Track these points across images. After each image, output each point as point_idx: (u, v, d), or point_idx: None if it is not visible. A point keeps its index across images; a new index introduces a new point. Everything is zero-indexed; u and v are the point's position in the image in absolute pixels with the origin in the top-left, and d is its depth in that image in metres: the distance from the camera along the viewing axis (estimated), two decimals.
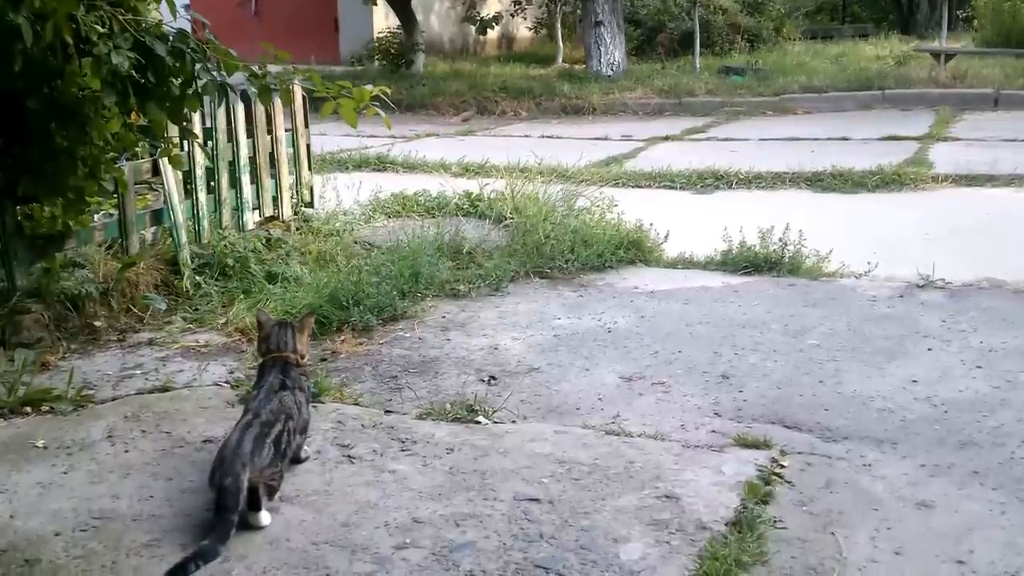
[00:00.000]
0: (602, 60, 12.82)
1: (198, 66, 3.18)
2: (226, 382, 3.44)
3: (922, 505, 2.51)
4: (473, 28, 16.45)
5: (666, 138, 9.31)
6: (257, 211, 4.98)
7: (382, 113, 3.33)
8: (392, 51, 14.40)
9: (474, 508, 2.51)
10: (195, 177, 4.52)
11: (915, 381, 3.31)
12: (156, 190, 4.71)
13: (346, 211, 5.53)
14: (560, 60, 15.49)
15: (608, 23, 12.77)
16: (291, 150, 5.28)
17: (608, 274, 4.70)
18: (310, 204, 5.44)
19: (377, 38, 15.26)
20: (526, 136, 9.75)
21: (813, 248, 4.69)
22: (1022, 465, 2.70)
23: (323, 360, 3.62)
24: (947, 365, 3.44)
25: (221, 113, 4.62)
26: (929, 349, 3.61)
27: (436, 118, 11.57)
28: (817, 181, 6.68)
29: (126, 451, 2.88)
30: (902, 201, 6.19)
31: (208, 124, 4.63)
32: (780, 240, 4.70)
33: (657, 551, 2.30)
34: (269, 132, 5.05)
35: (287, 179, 5.21)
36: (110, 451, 2.88)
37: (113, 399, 3.29)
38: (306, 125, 5.37)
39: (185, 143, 4.40)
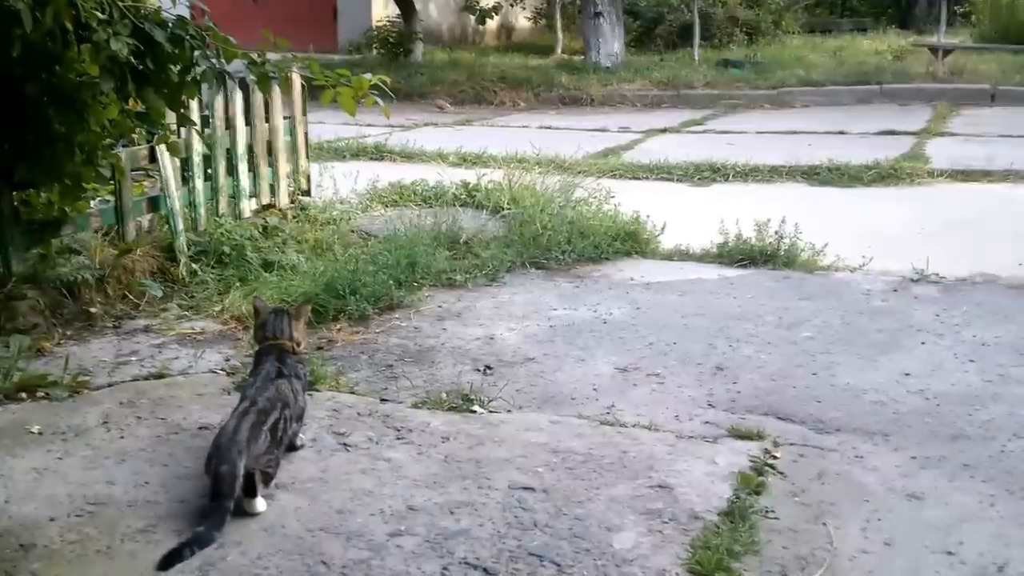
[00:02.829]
0: (601, 51, 12.80)
1: (197, 53, 3.18)
2: (222, 369, 3.45)
3: (913, 497, 2.53)
4: (472, 17, 16.40)
5: (664, 130, 9.31)
6: (254, 199, 4.98)
7: (380, 102, 3.33)
8: (391, 40, 14.36)
9: (469, 496, 2.53)
10: (192, 164, 4.52)
11: (908, 374, 3.33)
12: (153, 177, 4.70)
13: (343, 200, 5.53)
14: (559, 51, 15.46)
15: (607, 14, 12.75)
16: (289, 138, 5.27)
17: (604, 265, 4.71)
18: (307, 192, 5.44)
19: (376, 27, 15.21)
20: (524, 127, 9.74)
21: (808, 241, 4.70)
22: (1012, 458, 2.72)
23: (319, 349, 3.63)
24: (940, 359, 3.46)
25: (219, 100, 4.62)
26: (922, 343, 3.63)
27: (434, 108, 11.56)
28: (814, 175, 6.69)
29: (121, 437, 2.89)
30: (898, 195, 6.21)
31: (206, 111, 4.63)
32: (776, 233, 4.71)
33: (650, 540, 2.31)
34: (267, 120, 5.04)
35: (284, 167, 5.21)
36: (105, 437, 2.89)
37: (109, 385, 3.30)
38: (304, 113, 5.37)
39: (183, 130, 4.39)
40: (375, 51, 14.69)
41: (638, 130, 9.28)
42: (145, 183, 4.78)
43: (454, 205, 5.46)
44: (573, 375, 3.38)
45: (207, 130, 4.61)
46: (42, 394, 3.20)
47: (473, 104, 11.75)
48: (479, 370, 3.43)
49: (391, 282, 4.11)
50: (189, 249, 4.36)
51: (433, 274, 4.39)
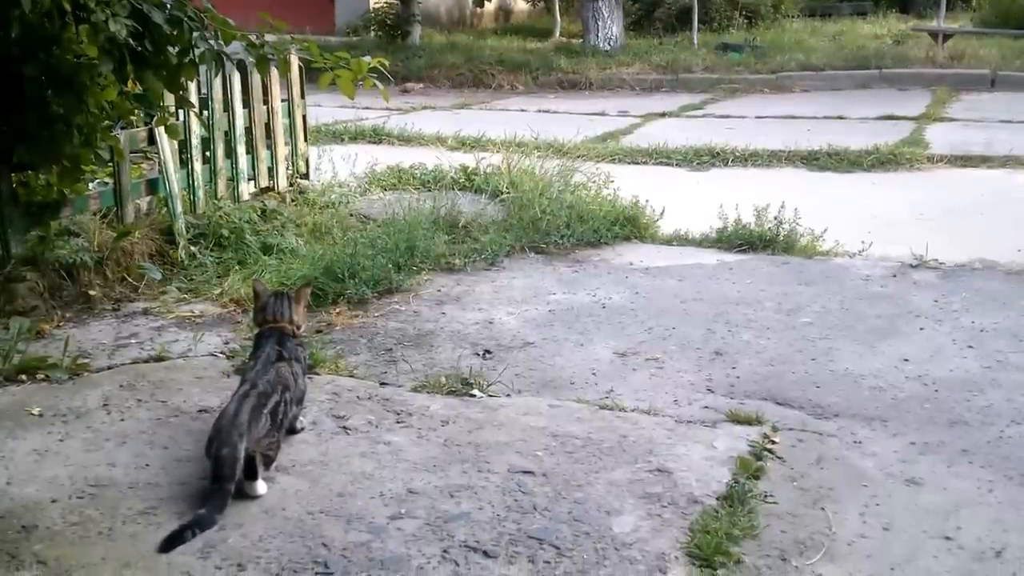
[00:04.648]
0: (600, 34, 12.75)
1: (195, 34, 3.15)
2: (221, 352, 3.45)
3: (911, 482, 2.54)
4: (470, 0, 16.32)
5: (663, 114, 9.29)
6: (253, 182, 4.96)
7: (379, 85, 3.32)
8: (388, 22, 14.29)
9: (468, 480, 2.53)
10: (191, 147, 4.50)
11: (906, 360, 3.33)
12: (151, 159, 4.69)
13: (342, 183, 5.52)
14: (557, 34, 15.40)
15: None
16: (287, 121, 5.25)
17: (603, 250, 4.71)
18: (306, 176, 5.42)
19: (373, 9, 15.13)
20: (522, 110, 9.72)
21: (808, 227, 4.70)
22: (1010, 444, 2.74)
23: (318, 332, 3.63)
24: (938, 345, 3.47)
25: (217, 83, 4.60)
26: (921, 328, 3.63)
27: (432, 91, 11.53)
28: (813, 160, 6.68)
29: (122, 420, 2.89)
30: (897, 181, 6.20)
31: (204, 93, 4.61)
32: (775, 218, 4.71)
33: (649, 524, 2.32)
34: (265, 102, 5.02)
35: (283, 150, 5.19)
36: (106, 419, 2.90)
37: (108, 368, 3.30)
38: (302, 96, 5.35)
39: (181, 112, 4.37)
40: (373, 34, 14.63)
41: (637, 114, 9.26)
42: (144, 165, 4.76)
43: (453, 189, 5.45)
44: (572, 359, 3.38)
45: (205, 112, 4.59)
46: (42, 376, 3.20)
47: (471, 87, 11.71)
48: (478, 354, 3.43)
49: (390, 266, 4.11)
50: (188, 232, 4.35)
51: (432, 258, 4.38)
